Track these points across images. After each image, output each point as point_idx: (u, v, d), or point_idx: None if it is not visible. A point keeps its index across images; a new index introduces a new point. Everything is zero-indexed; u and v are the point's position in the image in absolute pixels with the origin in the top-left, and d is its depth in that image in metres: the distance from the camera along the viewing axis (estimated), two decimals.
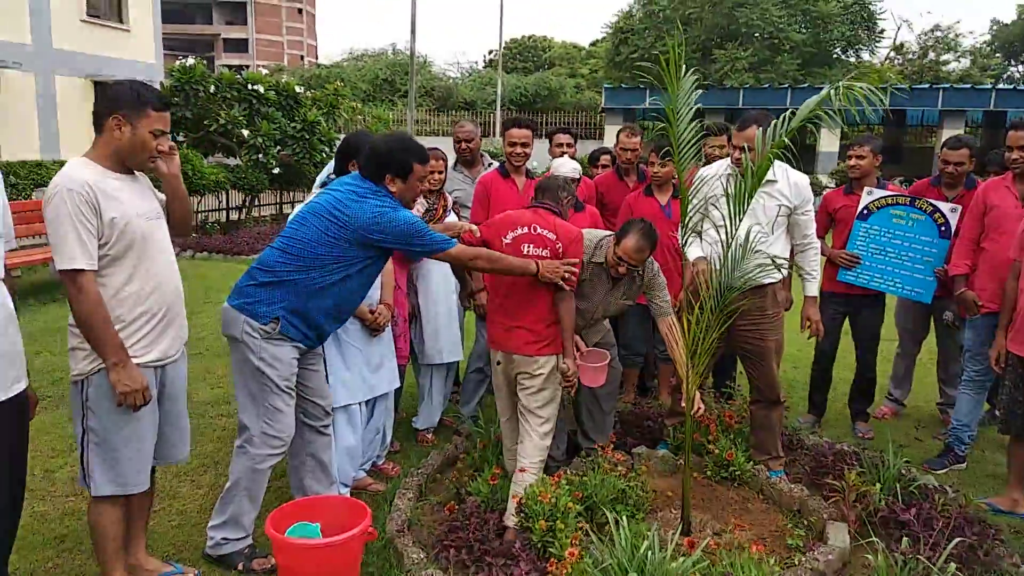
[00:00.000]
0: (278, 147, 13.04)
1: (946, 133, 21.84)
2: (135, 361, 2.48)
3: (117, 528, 2.63)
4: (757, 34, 25.88)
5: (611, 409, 3.94)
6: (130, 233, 2.46)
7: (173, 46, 45.30)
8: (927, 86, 24.16)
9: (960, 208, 4.28)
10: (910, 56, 34.93)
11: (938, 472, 4.03)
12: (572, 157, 4.67)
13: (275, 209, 15.15)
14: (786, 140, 2.78)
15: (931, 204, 4.35)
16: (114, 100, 2.45)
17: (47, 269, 8.16)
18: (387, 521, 3.18)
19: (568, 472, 3.37)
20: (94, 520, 2.62)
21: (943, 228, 4.32)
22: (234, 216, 13.77)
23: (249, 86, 13.18)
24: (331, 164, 3.54)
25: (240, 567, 2.95)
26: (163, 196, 2.72)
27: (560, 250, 3.19)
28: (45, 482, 3.70)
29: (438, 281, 4.15)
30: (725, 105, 22.97)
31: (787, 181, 3.66)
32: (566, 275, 3.13)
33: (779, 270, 3.48)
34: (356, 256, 2.88)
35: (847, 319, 4.68)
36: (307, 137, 13.35)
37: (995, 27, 37.56)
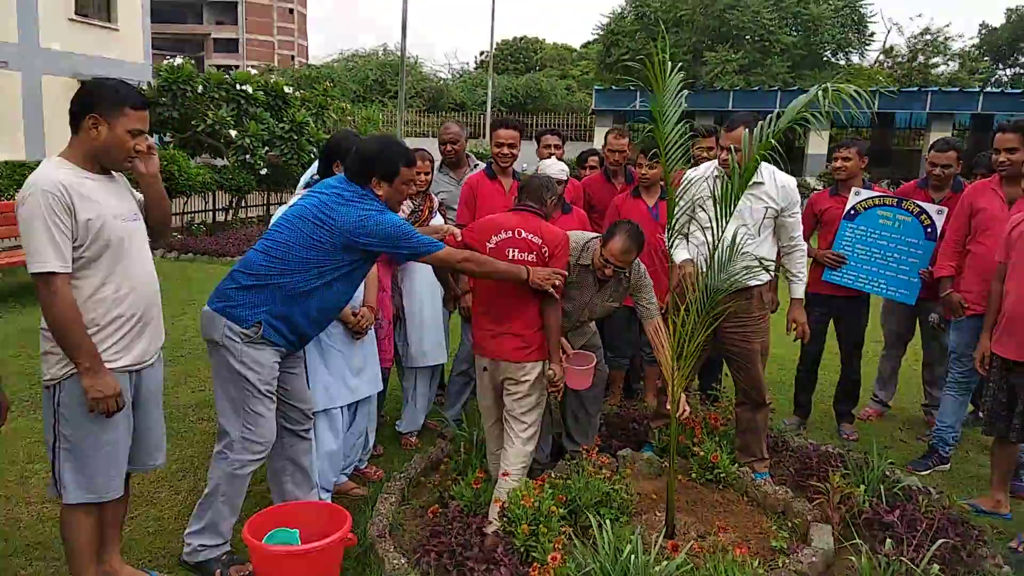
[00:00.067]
0: (266, 148, 12.96)
1: (934, 136, 21.98)
2: (109, 365, 2.44)
3: (90, 536, 2.58)
4: (748, 36, 25.93)
5: (596, 412, 3.92)
6: (106, 235, 2.41)
7: (163, 46, 45.03)
8: (916, 89, 24.29)
9: (947, 210, 4.28)
10: (899, 59, 35.12)
11: (922, 473, 4.03)
12: (560, 158, 4.64)
13: (262, 210, 15.07)
14: (773, 142, 2.76)
15: (918, 206, 4.36)
16: (90, 99, 2.40)
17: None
18: (368, 526, 3.14)
19: (552, 475, 3.35)
20: (66, 528, 2.57)
21: (929, 230, 4.33)
22: (221, 217, 13.68)
23: (237, 86, 13.11)
24: (315, 165, 3.50)
25: (217, 574, 2.90)
26: (141, 197, 2.67)
27: (546, 254, 3.16)
28: (20, 487, 3.64)
29: (422, 283, 4.12)
30: (715, 107, 23.02)
31: (774, 183, 3.66)
32: (557, 283, 3.10)
33: (767, 271, 3.47)
34: (341, 260, 2.84)
35: (832, 321, 4.68)
36: (295, 138, 13.27)
37: (983, 31, 37.85)
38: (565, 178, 4.27)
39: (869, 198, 4.45)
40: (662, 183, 4.49)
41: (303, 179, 3.63)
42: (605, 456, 3.58)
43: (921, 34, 34.64)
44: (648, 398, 4.88)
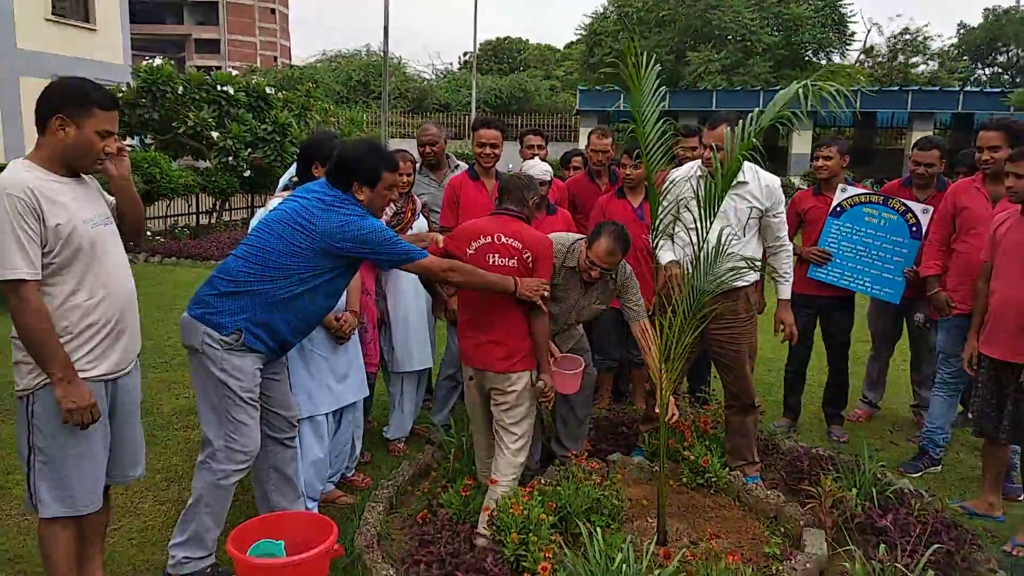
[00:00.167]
0: (249, 150, 12.84)
1: (916, 135, 22.21)
2: (84, 375, 2.36)
3: (68, 550, 2.51)
4: (730, 37, 26.07)
5: (586, 416, 3.88)
6: (76, 240, 2.34)
7: (143, 46, 44.64)
8: (897, 88, 24.52)
9: (932, 209, 4.28)
10: (880, 59, 35.44)
11: (913, 476, 4.02)
12: (543, 159, 4.60)
13: (246, 213, 14.94)
14: (755, 141, 2.74)
15: (904, 204, 4.36)
16: (57, 99, 2.32)
17: None
18: (356, 535, 3.08)
19: (541, 481, 3.30)
20: (44, 543, 2.49)
21: (914, 229, 4.32)
22: (204, 220, 13.55)
23: (218, 87, 12.97)
24: (294, 166, 3.44)
25: None
26: (113, 199, 2.60)
27: (528, 259, 3.10)
28: (1, 500, 3.55)
29: (408, 286, 4.06)
30: (698, 107, 23.15)
31: (758, 183, 3.63)
32: (545, 294, 3.06)
33: (753, 270, 3.45)
34: (322, 266, 2.77)
35: (818, 321, 4.67)
36: (278, 139, 13.15)
37: (962, 30, 38.27)
38: (549, 179, 4.23)
39: (855, 195, 4.44)
40: (646, 183, 4.47)
41: (282, 181, 3.56)
42: (595, 461, 3.54)
43: (901, 34, 35.01)
44: (637, 401, 4.85)
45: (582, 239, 3.49)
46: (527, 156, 4.75)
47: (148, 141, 13.33)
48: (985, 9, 36.98)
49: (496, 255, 3.10)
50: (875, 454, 3.84)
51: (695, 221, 2.96)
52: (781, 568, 2.88)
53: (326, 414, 3.38)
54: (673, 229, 3.72)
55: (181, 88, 12.55)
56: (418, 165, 4.47)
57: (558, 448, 3.83)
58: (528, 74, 37.91)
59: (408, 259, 2.85)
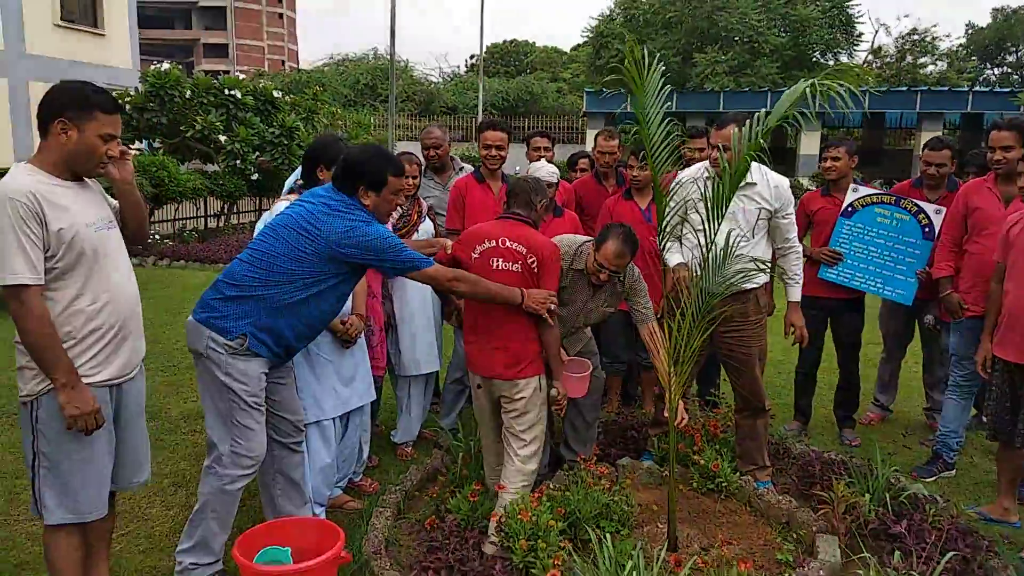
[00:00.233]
0: (257, 153, 12.86)
1: (925, 135, 22.07)
2: (87, 380, 2.34)
3: (74, 557, 2.49)
4: (737, 38, 25.97)
5: (594, 420, 3.84)
6: (79, 244, 2.32)
7: (152, 51, 44.84)
8: (905, 89, 24.39)
9: (944, 210, 4.23)
10: (888, 59, 35.28)
11: (927, 480, 3.97)
12: (550, 160, 4.58)
13: (254, 216, 14.95)
14: (761, 141, 2.70)
15: (916, 204, 4.31)
16: (58, 102, 2.31)
17: None
18: (364, 542, 3.05)
19: (550, 486, 3.27)
20: (49, 550, 2.47)
21: (927, 229, 4.28)
22: (212, 224, 13.57)
23: (226, 91, 12.99)
24: (299, 169, 3.42)
25: None
26: (116, 203, 2.58)
27: (533, 264, 3.06)
28: (7, 505, 3.55)
29: (415, 288, 4.03)
30: (705, 109, 23.07)
31: (767, 184, 3.59)
32: (552, 307, 3.02)
33: (763, 272, 3.41)
34: (327, 272, 2.75)
35: (828, 323, 4.62)
36: (286, 143, 13.16)
37: (970, 30, 38.06)
38: (555, 181, 4.20)
39: (867, 195, 4.40)
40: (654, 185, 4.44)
41: (287, 184, 3.55)
42: (604, 466, 3.51)
43: (909, 34, 34.85)
44: (646, 404, 4.81)
45: (589, 241, 3.46)
46: (534, 158, 4.73)
47: (156, 145, 13.36)
48: (994, 9, 36.84)
49: (500, 259, 3.07)
50: (888, 458, 3.80)
51: (703, 223, 2.92)
52: (794, 575, 2.84)
53: (333, 418, 3.36)
54: (681, 231, 3.69)
55: (189, 92, 12.58)
56: (422, 168, 4.45)
57: (567, 452, 3.80)
58: (535, 76, 37.93)
59: (413, 267, 2.82)
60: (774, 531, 3.32)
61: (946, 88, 25.50)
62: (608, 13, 29.35)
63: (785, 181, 3.67)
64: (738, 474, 3.64)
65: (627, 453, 3.98)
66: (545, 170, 4.10)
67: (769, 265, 3.77)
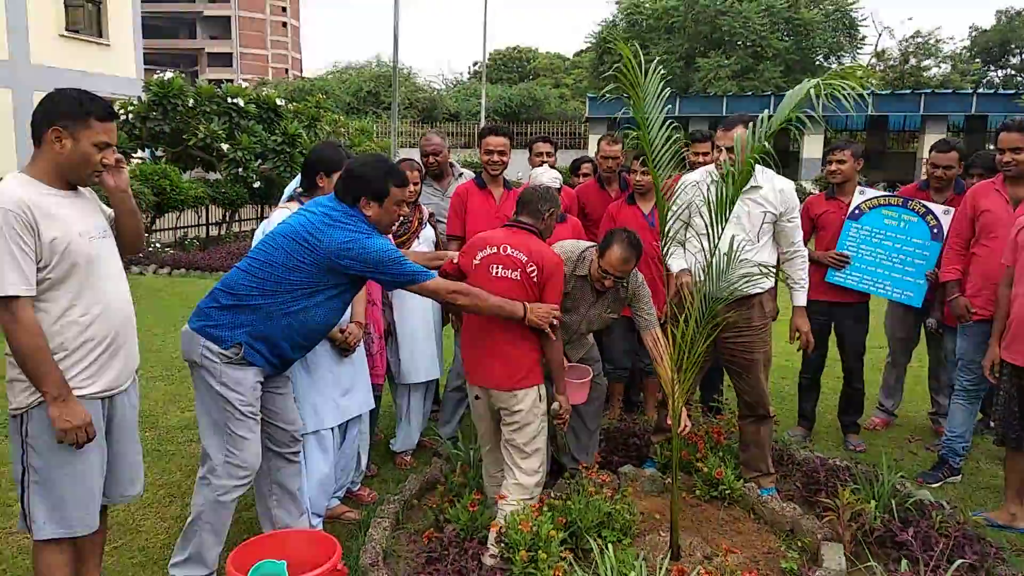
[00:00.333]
0: (259, 161, 12.88)
1: (929, 138, 22.01)
2: (79, 392, 2.31)
3: (64, 572, 2.44)
4: (740, 42, 26.00)
5: (596, 427, 3.80)
6: (72, 254, 2.28)
7: (156, 61, 45.13)
8: (909, 91, 24.35)
9: (953, 211, 4.19)
10: (891, 62, 35.23)
11: (933, 486, 3.91)
12: (552, 166, 4.54)
13: (256, 224, 14.97)
14: (766, 144, 2.66)
15: (924, 206, 4.28)
16: (52, 110, 2.27)
17: None
18: (361, 553, 3.01)
19: (551, 495, 3.22)
20: (39, 565, 2.43)
21: (935, 230, 4.24)
22: (214, 232, 13.58)
23: (228, 99, 13.03)
24: (299, 177, 3.39)
25: None
26: (111, 211, 2.55)
27: (532, 273, 3.00)
28: (1, 518, 3.50)
29: (415, 296, 3.96)
30: (709, 113, 23.08)
31: (772, 187, 3.55)
32: (555, 322, 2.98)
33: (767, 277, 3.36)
34: (325, 282, 2.72)
35: (832, 328, 4.57)
36: (288, 151, 13.19)
37: (974, 33, 38.01)
38: (558, 186, 4.17)
39: (874, 197, 4.36)
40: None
41: (287, 191, 3.51)
42: (606, 473, 3.46)
43: (912, 37, 34.78)
44: (649, 411, 4.76)
45: (593, 247, 3.42)
46: (536, 163, 4.71)
47: (159, 153, 13.39)
48: (997, 11, 36.78)
49: (499, 266, 3.03)
50: (893, 464, 3.75)
51: (707, 227, 2.88)
52: None
53: (331, 428, 3.32)
54: (684, 235, 3.65)
55: (192, 101, 12.63)
56: (422, 174, 4.42)
57: (568, 461, 3.75)
58: (538, 83, 37.98)
59: (413, 280, 2.79)
60: (778, 539, 3.26)
61: (950, 90, 25.46)
62: (611, 19, 29.40)
63: (790, 185, 3.63)
64: (742, 481, 3.59)
65: (629, 460, 3.93)
66: (547, 175, 4.07)
67: (774, 270, 3.72)
